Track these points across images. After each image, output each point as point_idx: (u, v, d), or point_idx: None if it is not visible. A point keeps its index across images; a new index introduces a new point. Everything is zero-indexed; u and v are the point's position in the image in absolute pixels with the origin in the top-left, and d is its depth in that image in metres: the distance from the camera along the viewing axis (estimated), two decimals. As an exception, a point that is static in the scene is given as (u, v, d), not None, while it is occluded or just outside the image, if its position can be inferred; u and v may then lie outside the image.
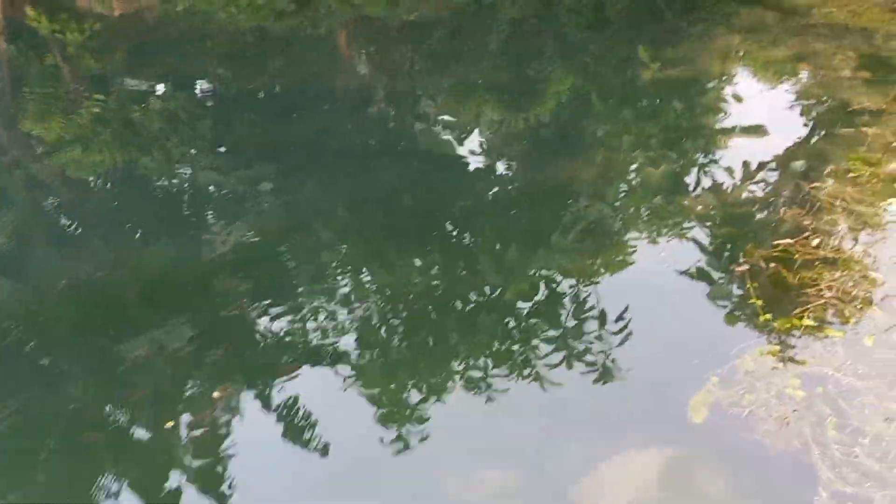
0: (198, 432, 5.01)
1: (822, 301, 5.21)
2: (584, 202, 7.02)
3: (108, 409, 5.21)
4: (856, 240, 5.78)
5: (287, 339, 5.75)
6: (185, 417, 5.03)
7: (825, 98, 8.11)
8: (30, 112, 9.33)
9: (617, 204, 7.06)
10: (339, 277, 6.44)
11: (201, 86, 10.26)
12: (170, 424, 5.00)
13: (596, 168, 7.50)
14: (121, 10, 12.49)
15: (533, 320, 5.79)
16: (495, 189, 7.59)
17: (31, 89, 10.08)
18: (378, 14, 11.65)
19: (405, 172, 7.74)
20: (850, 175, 6.50)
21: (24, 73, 10.75)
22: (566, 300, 5.96)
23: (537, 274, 6.24)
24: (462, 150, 8.19)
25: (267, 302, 6.12)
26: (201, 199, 7.67)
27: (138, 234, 7.22)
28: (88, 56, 11.12)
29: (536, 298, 6.03)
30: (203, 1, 12.37)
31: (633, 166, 7.60)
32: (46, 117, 9.16)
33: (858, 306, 5.15)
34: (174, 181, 8.05)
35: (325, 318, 5.91)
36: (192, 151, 8.41)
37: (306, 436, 4.96)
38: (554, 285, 6.11)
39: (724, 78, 9.01)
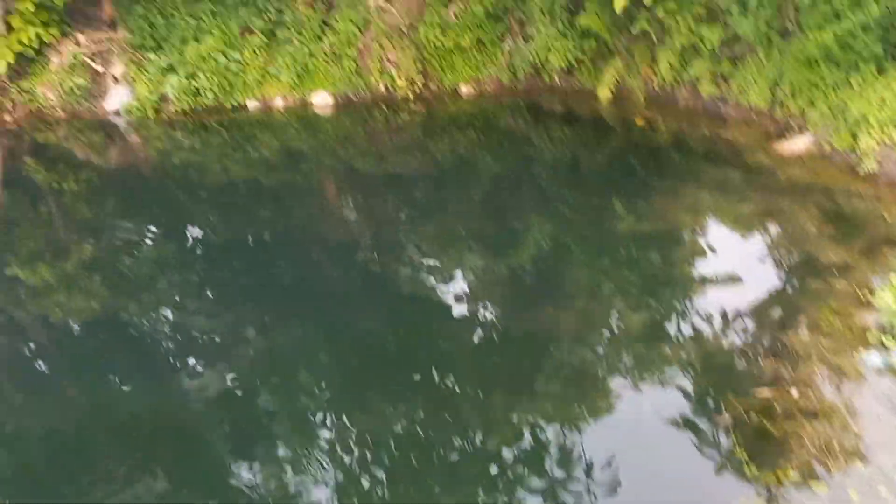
0: None
1: (806, 454, 5.21)
2: (566, 348, 7.10)
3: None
4: (834, 391, 5.86)
5: (268, 489, 5.59)
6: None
7: (793, 252, 8.46)
8: (18, 257, 9.45)
9: (599, 350, 7.15)
10: (320, 424, 6.36)
11: (192, 233, 10.52)
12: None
13: (577, 314, 7.65)
14: (118, 162, 12.99)
15: (518, 469, 5.70)
16: (479, 334, 7.67)
17: (22, 235, 10.28)
18: (366, 168, 12.20)
19: (389, 317, 7.84)
20: (824, 327, 6.67)
21: (17, 220, 10.99)
22: (551, 448, 5.90)
23: (521, 421, 6.20)
24: (445, 296, 8.35)
25: (247, 450, 5.99)
26: (186, 343, 7.68)
27: (118, 381, 7.14)
28: (82, 204, 11.45)
29: (521, 446, 5.96)
30: (198, 154, 12.92)
31: (614, 313, 7.76)
32: (34, 262, 9.27)
33: (841, 459, 5.14)
34: (159, 326, 8.08)
35: (306, 466, 5.78)
36: (179, 297, 8.50)
37: None
38: (539, 433, 6.07)
39: (696, 231, 9.42)
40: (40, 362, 7.66)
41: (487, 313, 8.10)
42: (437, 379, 6.91)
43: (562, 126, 12.86)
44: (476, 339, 7.55)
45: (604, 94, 12.83)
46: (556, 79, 13.61)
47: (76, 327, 8.16)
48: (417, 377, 6.89)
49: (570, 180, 11.13)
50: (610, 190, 10.48)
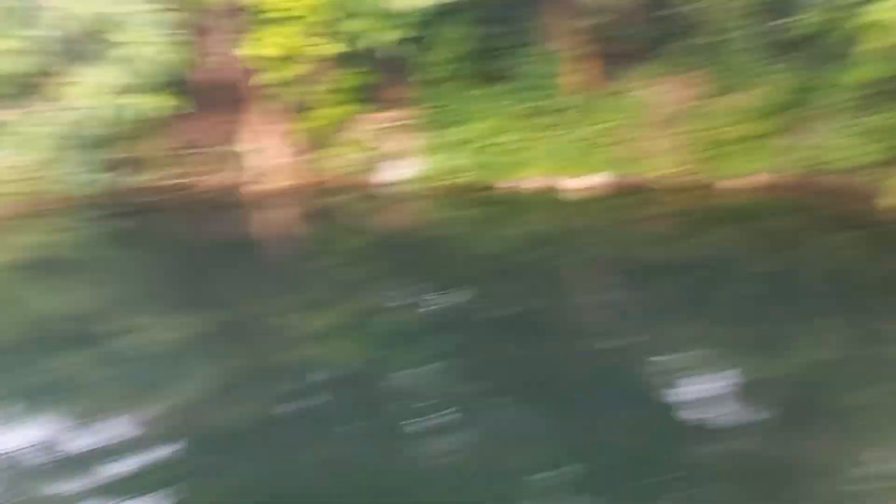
0: None
1: None
2: (825, 482, 6.38)
3: None
4: None
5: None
6: None
7: None
8: (283, 308, 10.48)
9: (865, 489, 6.32)
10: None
11: (443, 300, 10.85)
12: None
13: (838, 444, 6.84)
14: (388, 228, 14.22)
15: None
16: (723, 448, 7.04)
17: (292, 289, 11.29)
18: (616, 254, 12.10)
19: (629, 417, 7.43)
20: None
21: (291, 275, 12.06)
22: None
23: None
24: (692, 402, 7.80)
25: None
26: (419, 408, 7.77)
27: (349, 436, 7.34)
28: (350, 264, 12.44)
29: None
30: (462, 225, 13.66)
31: (885, 449, 6.84)
32: (296, 314, 10.18)
33: None
34: (397, 386, 8.35)
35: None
36: (419, 361, 8.74)
37: None
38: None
39: None
40: (281, 407, 8.03)
41: (734, 426, 7.49)
42: (675, 493, 6.51)
43: (837, 230, 11.84)
44: (720, 454, 6.96)
45: (890, 200, 11.65)
46: (834, 179, 12.65)
47: (320, 378, 8.59)
48: (652, 488, 6.54)
49: (843, 291, 10.11)
50: (891, 309, 9.37)
